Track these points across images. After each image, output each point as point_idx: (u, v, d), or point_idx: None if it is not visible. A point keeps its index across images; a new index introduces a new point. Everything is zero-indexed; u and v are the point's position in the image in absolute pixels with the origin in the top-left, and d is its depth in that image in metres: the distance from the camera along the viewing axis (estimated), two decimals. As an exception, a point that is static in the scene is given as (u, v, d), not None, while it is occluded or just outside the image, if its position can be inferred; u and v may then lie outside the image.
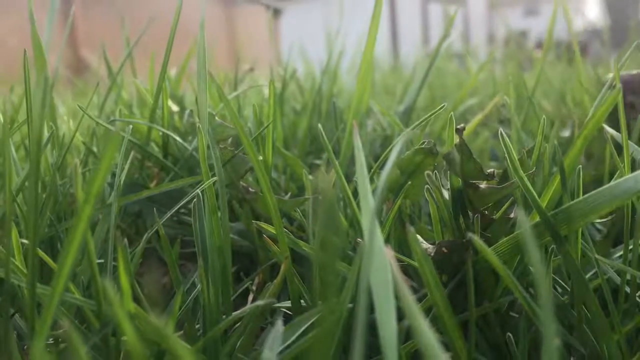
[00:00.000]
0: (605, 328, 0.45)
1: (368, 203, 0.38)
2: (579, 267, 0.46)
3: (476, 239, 0.37)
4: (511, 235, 0.48)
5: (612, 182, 0.42)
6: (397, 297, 0.31)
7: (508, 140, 0.50)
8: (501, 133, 0.51)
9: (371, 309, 0.46)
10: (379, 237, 0.35)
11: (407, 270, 0.59)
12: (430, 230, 0.63)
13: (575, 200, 0.44)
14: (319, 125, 0.59)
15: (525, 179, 0.46)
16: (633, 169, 0.55)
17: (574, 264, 0.45)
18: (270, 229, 0.57)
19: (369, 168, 0.75)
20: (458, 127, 0.54)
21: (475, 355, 0.50)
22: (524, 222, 0.26)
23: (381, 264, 0.34)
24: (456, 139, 0.54)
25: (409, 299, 0.27)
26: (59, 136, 0.76)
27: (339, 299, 0.37)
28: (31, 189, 0.44)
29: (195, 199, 0.55)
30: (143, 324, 0.45)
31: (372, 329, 0.51)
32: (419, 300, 0.52)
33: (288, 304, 0.56)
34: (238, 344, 0.49)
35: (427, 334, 0.25)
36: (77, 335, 0.26)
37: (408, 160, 0.61)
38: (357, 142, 0.43)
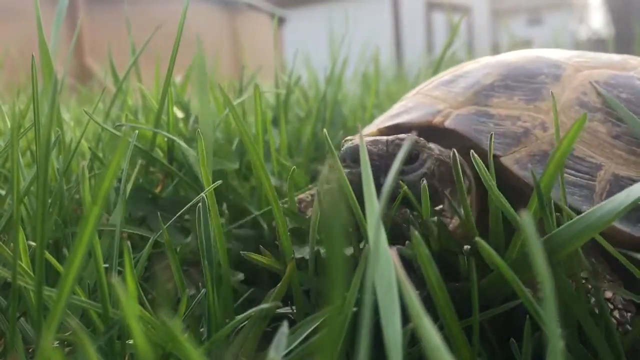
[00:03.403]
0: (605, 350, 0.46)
1: (373, 204, 0.38)
2: (573, 291, 0.47)
3: (481, 242, 0.37)
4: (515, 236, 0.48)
5: (603, 201, 0.42)
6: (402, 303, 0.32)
7: (479, 160, 0.51)
8: (473, 155, 0.54)
9: (375, 313, 0.46)
10: (384, 239, 0.35)
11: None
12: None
13: (566, 224, 0.44)
14: (324, 130, 0.60)
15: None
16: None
17: (567, 287, 0.46)
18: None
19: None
20: None
21: (479, 360, 0.50)
22: (529, 225, 0.27)
23: (386, 266, 0.34)
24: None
25: (414, 299, 0.27)
26: (64, 141, 0.76)
27: (344, 300, 0.37)
28: (39, 191, 0.44)
29: (199, 204, 0.55)
30: (150, 326, 0.45)
31: (376, 335, 0.51)
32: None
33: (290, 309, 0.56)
34: (242, 347, 0.49)
35: (433, 334, 0.25)
36: (85, 334, 0.26)
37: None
38: (362, 144, 0.43)
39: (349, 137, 0.61)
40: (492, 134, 0.57)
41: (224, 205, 0.82)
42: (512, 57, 0.80)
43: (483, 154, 0.63)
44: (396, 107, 0.80)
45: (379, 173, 0.56)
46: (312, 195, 0.77)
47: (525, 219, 0.28)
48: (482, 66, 0.79)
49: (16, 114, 0.53)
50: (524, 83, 0.71)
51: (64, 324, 0.49)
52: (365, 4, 11.47)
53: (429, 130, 0.70)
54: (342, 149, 0.59)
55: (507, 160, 0.63)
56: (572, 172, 0.61)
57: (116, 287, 0.30)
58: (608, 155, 0.63)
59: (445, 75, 0.82)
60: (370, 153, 0.57)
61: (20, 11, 3.65)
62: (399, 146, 0.58)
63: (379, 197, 0.52)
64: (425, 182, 0.56)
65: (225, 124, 0.97)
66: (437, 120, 0.70)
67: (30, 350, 0.53)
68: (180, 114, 0.95)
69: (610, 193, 0.59)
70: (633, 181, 0.60)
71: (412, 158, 0.59)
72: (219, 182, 0.57)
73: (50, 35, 0.77)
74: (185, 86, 1.04)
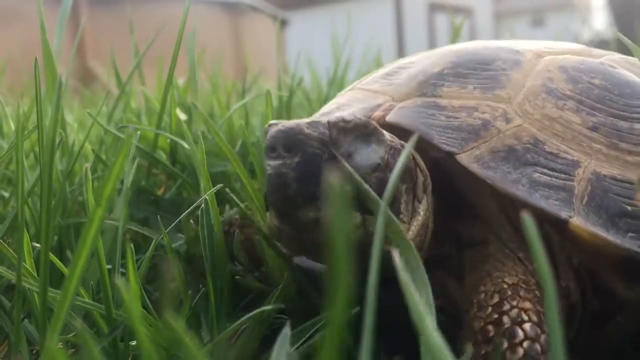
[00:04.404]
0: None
1: (377, 203, 0.38)
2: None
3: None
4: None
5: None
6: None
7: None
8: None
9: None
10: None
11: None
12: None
13: None
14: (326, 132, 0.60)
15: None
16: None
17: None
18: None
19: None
20: None
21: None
22: (530, 223, 0.27)
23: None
24: None
25: (416, 299, 0.27)
26: (68, 143, 0.76)
27: (347, 300, 0.37)
28: (43, 193, 0.44)
29: (202, 207, 0.56)
30: (153, 327, 0.45)
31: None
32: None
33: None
34: (244, 348, 0.49)
35: (434, 335, 0.25)
36: (89, 334, 0.26)
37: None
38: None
39: (273, 122, 0.49)
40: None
41: (227, 207, 0.82)
42: (463, 45, 0.70)
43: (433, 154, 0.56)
44: (326, 107, 0.69)
45: (320, 163, 0.46)
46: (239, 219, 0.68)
47: (527, 218, 0.28)
48: (427, 55, 0.68)
49: (20, 116, 0.53)
50: (478, 70, 0.61)
51: (68, 326, 0.49)
52: (367, 5, 11.48)
53: None
54: (269, 134, 0.47)
55: (465, 158, 0.53)
56: (545, 170, 0.52)
57: (120, 288, 0.30)
58: (585, 150, 0.54)
59: (385, 68, 0.70)
60: (308, 138, 0.46)
61: (23, 13, 3.66)
62: (344, 131, 0.48)
63: (318, 198, 0.45)
64: (377, 174, 0.48)
65: (228, 125, 0.97)
66: (377, 115, 0.59)
67: (34, 352, 0.53)
68: (183, 116, 0.95)
69: (593, 196, 0.51)
70: (617, 181, 0.53)
71: (357, 147, 0.49)
72: (220, 185, 0.57)
73: (53, 38, 0.78)
74: (188, 88, 1.05)
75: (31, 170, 0.87)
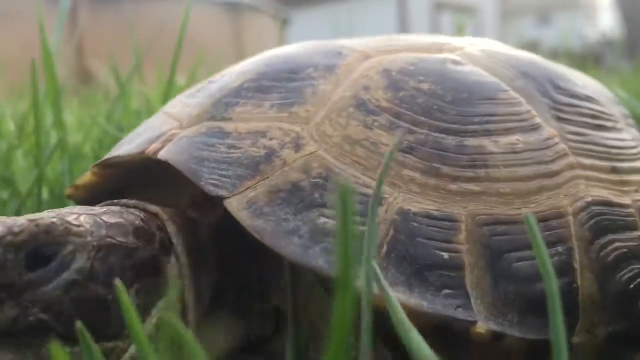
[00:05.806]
0: None
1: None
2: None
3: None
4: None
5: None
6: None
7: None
8: None
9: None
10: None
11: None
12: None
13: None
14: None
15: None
16: None
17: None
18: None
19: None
20: None
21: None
22: (534, 225, 0.26)
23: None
24: None
25: (401, 313, 0.27)
26: (67, 144, 0.76)
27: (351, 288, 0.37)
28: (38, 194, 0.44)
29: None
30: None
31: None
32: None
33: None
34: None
35: (422, 346, 0.25)
36: (88, 334, 0.26)
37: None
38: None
39: None
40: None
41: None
42: (290, 48, 0.57)
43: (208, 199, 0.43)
44: (135, 131, 0.56)
45: None
46: None
47: (529, 216, 0.27)
48: (246, 63, 0.56)
49: (18, 116, 0.53)
50: (284, 81, 0.49)
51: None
52: (370, 4, 11.48)
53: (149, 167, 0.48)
54: None
55: (236, 203, 0.40)
56: (334, 213, 0.38)
57: (118, 287, 0.29)
58: (393, 181, 0.42)
59: (203, 82, 0.58)
60: None
61: (22, 12, 3.66)
62: (13, 247, 0.35)
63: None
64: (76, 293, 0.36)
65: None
66: (151, 149, 0.46)
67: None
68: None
69: (395, 244, 0.39)
70: (432, 219, 0.41)
71: (42, 259, 0.36)
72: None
73: (52, 37, 0.78)
74: (189, 87, 1.05)
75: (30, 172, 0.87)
